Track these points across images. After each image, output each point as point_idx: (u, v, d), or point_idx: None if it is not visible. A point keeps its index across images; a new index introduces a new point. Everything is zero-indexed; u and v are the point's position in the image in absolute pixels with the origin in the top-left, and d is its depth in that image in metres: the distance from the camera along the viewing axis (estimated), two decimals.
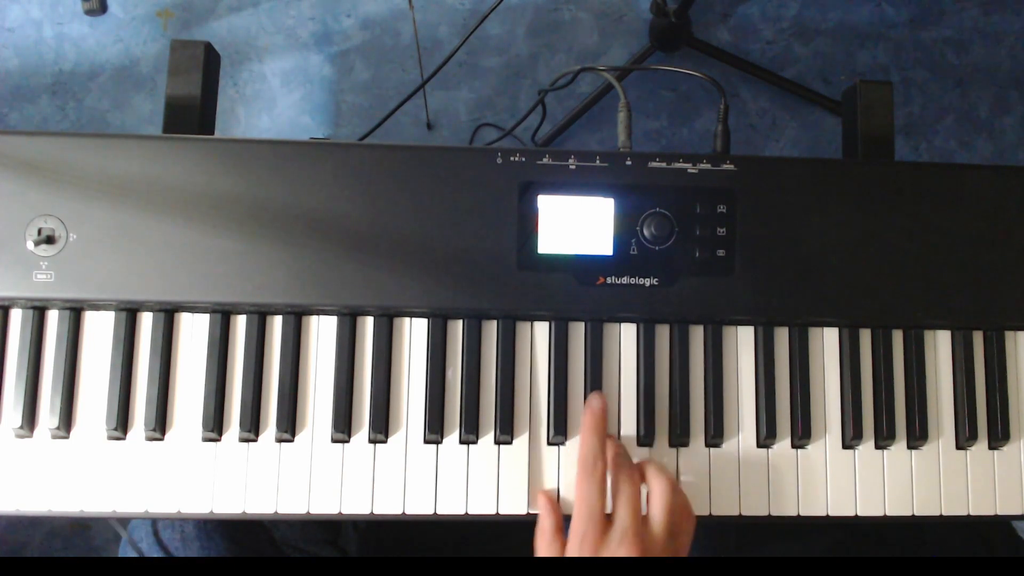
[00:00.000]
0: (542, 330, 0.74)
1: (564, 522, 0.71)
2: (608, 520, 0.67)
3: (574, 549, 0.66)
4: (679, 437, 0.73)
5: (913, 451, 0.75)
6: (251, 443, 0.71)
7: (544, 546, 0.69)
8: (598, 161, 0.73)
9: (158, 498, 0.70)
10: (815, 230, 0.74)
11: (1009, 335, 0.78)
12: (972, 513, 0.75)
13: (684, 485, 0.72)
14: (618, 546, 0.65)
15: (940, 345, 0.77)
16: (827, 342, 0.76)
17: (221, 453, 0.71)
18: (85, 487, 0.70)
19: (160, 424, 0.71)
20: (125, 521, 0.82)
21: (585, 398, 0.73)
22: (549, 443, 0.73)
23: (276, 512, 0.70)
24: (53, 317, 0.72)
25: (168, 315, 0.72)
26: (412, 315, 0.74)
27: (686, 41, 1.43)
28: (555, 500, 0.71)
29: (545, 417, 0.73)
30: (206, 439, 0.71)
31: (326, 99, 1.46)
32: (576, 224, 0.73)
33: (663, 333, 0.75)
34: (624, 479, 0.68)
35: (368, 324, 0.73)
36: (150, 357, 0.72)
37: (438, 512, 0.71)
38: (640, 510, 0.67)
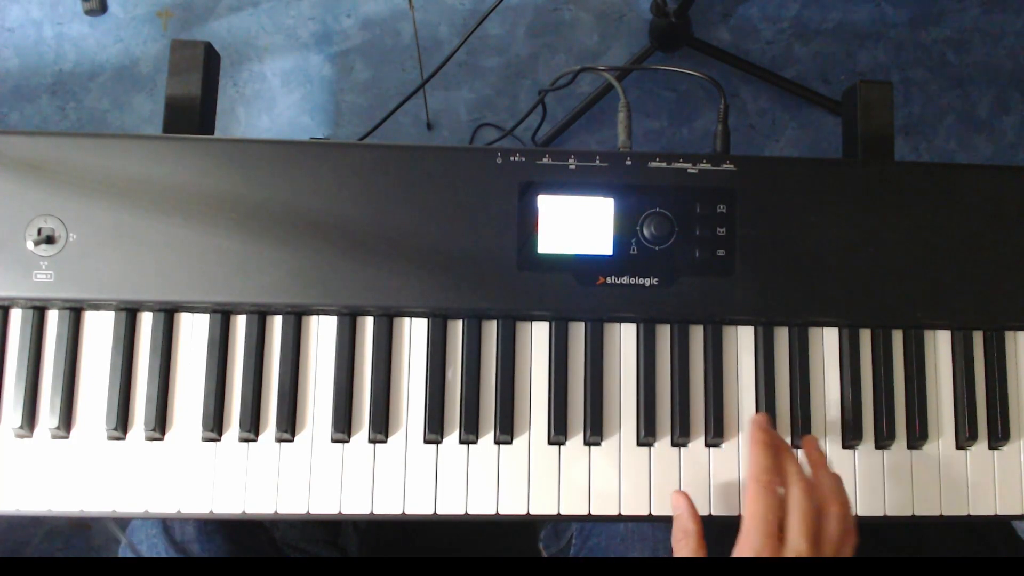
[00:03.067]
0: (542, 330, 0.74)
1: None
2: (781, 539, 0.65)
3: None
4: (679, 438, 0.73)
5: (913, 451, 0.75)
6: (251, 443, 0.71)
7: (688, 553, 0.67)
8: (598, 161, 0.73)
9: (158, 498, 0.70)
10: (815, 230, 0.74)
11: (1009, 335, 0.78)
12: (972, 513, 0.75)
13: (683, 486, 0.72)
14: None
15: (940, 345, 0.77)
16: (827, 342, 0.76)
17: (221, 453, 0.71)
18: (85, 487, 0.70)
19: (160, 424, 0.71)
20: (125, 522, 0.82)
21: (585, 398, 0.73)
22: (549, 443, 0.73)
23: (276, 512, 0.70)
24: (53, 317, 0.72)
25: (168, 315, 0.72)
26: (412, 315, 0.74)
27: (686, 41, 1.43)
28: (693, 505, 0.70)
29: (545, 417, 0.73)
30: (206, 439, 0.71)
31: (326, 99, 1.46)
32: (576, 224, 0.73)
33: (663, 333, 0.75)
34: (800, 497, 0.65)
35: (368, 324, 0.73)
36: (150, 357, 0.72)
37: (438, 512, 0.71)
38: (814, 533, 0.64)
